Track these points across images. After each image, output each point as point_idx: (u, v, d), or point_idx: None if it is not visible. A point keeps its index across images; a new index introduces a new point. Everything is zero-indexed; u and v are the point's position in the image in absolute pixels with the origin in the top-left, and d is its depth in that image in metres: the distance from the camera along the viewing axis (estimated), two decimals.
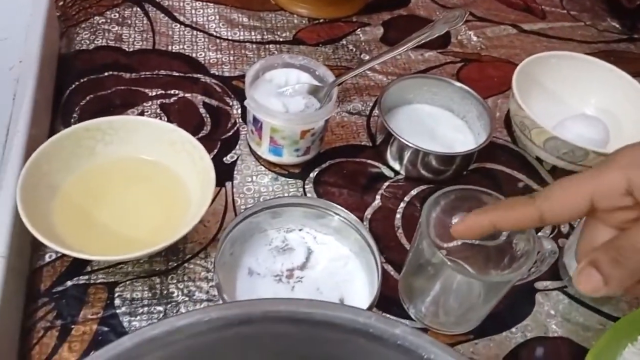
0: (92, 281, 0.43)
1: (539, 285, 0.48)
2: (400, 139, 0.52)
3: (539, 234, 0.49)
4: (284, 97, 0.52)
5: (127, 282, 0.44)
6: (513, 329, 0.45)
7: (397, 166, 0.55)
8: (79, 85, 0.56)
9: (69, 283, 0.43)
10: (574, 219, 0.38)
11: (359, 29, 0.68)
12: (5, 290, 0.39)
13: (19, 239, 0.42)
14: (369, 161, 0.55)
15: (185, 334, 0.31)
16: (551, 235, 0.51)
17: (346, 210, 0.45)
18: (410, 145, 0.52)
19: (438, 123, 0.58)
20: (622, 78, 0.57)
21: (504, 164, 0.57)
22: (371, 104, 0.60)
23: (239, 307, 0.33)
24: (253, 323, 0.32)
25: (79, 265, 0.44)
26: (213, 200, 0.49)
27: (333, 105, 0.50)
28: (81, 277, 0.43)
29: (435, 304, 0.44)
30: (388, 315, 0.45)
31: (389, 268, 0.48)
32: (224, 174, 0.52)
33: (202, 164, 0.46)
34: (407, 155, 0.53)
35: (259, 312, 0.32)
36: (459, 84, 0.57)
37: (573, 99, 0.60)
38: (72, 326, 0.41)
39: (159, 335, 0.30)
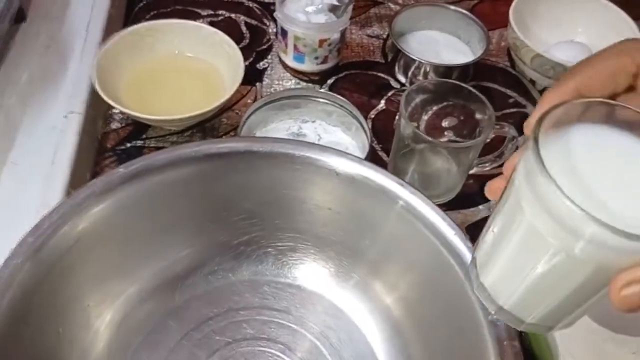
0: (146, 145, 0.56)
1: None
2: (406, 54, 0.61)
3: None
4: (309, 14, 0.62)
5: None
6: (480, 207, 0.54)
7: (403, 79, 0.64)
8: (145, 4, 0.69)
9: (128, 144, 0.56)
10: None
11: None
12: (80, 144, 0.52)
13: (93, 109, 0.55)
14: (380, 74, 0.65)
15: (205, 157, 0.42)
16: None
17: (348, 102, 0.55)
18: (414, 58, 0.61)
19: (445, 47, 0.66)
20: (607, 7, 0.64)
21: (499, 84, 0.65)
22: (389, 30, 0.69)
23: (243, 142, 0.44)
24: (253, 155, 0.43)
25: (136, 133, 0.57)
26: (244, 96, 0.61)
27: (346, 19, 0.60)
28: (138, 141, 0.56)
29: (414, 178, 0.54)
30: None
31: (383, 155, 0.58)
32: (256, 76, 0.63)
33: (236, 59, 0.57)
34: (411, 68, 0.62)
35: (259, 146, 0.43)
36: (462, 11, 0.65)
37: (566, 28, 0.67)
38: None
39: (189, 154, 0.42)
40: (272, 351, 0.43)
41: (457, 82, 0.51)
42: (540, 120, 0.26)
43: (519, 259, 0.28)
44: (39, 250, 0.36)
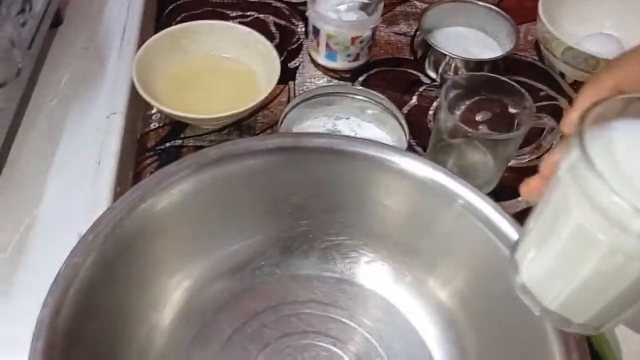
0: (184, 144, 0.57)
1: None
2: (437, 49, 0.62)
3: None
4: (340, 12, 0.62)
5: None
6: (520, 198, 0.54)
7: (433, 74, 0.64)
8: (175, 6, 0.70)
9: (167, 144, 0.56)
10: None
11: None
12: (122, 143, 0.52)
13: (132, 110, 0.56)
14: (410, 70, 0.65)
15: (254, 152, 0.43)
16: None
17: (384, 97, 0.56)
18: (445, 53, 0.61)
19: (473, 42, 0.67)
20: None
21: (529, 78, 0.65)
22: (415, 27, 0.70)
23: (290, 137, 0.45)
24: (301, 150, 0.44)
25: (174, 133, 0.57)
26: (278, 95, 0.62)
27: (378, 17, 0.60)
28: (177, 141, 0.57)
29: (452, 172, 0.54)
30: None
31: (420, 150, 0.58)
32: (288, 75, 0.63)
33: (271, 58, 0.57)
34: (442, 64, 0.63)
35: (306, 141, 0.44)
36: (489, 6, 0.65)
37: (594, 21, 0.67)
38: None
39: (238, 150, 0.42)
40: (324, 344, 0.43)
41: (496, 76, 0.51)
42: (583, 117, 0.26)
43: (567, 259, 0.28)
44: (98, 247, 0.37)
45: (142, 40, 0.59)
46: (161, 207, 0.40)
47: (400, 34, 0.69)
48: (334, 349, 0.43)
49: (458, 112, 0.58)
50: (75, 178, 0.48)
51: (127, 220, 0.38)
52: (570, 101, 0.63)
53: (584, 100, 0.29)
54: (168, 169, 0.40)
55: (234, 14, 0.69)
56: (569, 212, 0.26)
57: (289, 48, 0.66)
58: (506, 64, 0.64)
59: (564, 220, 0.27)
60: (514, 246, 0.32)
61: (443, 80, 0.64)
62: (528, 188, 0.32)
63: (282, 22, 0.69)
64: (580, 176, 0.25)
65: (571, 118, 0.29)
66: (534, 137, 0.56)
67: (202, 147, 0.56)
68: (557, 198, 0.27)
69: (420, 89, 0.63)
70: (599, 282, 0.27)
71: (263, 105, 0.60)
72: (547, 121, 0.51)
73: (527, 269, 0.30)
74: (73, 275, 0.35)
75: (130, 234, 0.38)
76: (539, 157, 0.57)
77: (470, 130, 0.48)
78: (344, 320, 0.45)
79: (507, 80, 0.51)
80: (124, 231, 0.38)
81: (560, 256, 0.28)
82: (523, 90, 0.50)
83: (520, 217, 0.53)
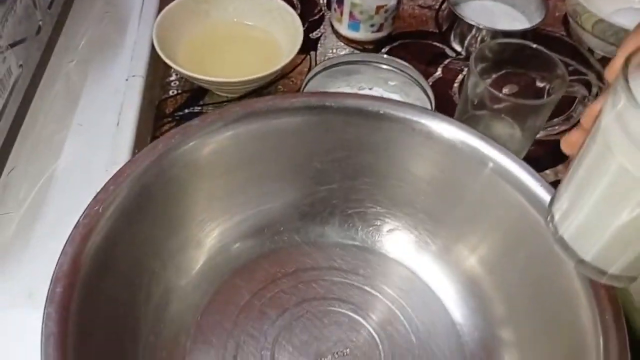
0: (204, 111, 0.56)
1: None
2: (465, 20, 0.60)
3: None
4: None
5: None
6: (547, 171, 0.53)
7: (458, 47, 0.63)
8: None
9: (186, 110, 0.55)
10: None
11: None
12: (141, 109, 0.51)
13: (152, 74, 0.55)
14: (434, 43, 0.64)
15: (278, 110, 0.42)
16: None
17: (410, 66, 0.54)
18: (473, 24, 0.60)
19: (500, 16, 0.65)
20: None
21: (558, 52, 0.63)
22: (440, 0, 0.68)
23: (316, 97, 0.44)
24: (326, 110, 0.42)
25: (194, 99, 0.56)
26: (299, 64, 0.60)
27: None
28: (196, 107, 0.56)
29: None
30: None
31: None
32: (310, 46, 0.62)
33: (293, 25, 0.56)
34: (468, 36, 0.61)
35: (332, 101, 0.42)
36: None
37: None
38: None
39: (262, 107, 0.41)
40: (343, 311, 0.42)
41: (528, 43, 0.50)
42: (627, 60, 0.26)
43: (605, 206, 0.28)
44: (119, 198, 0.35)
45: (162, 6, 0.58)
46: (183, 163, 0.39)
47: (424, 7, 0.68)
48: (355, 315, 0.42)
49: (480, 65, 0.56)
50: (93, 139, 0.47)
51: (148, 173, 0.37)
52: (599, 76, 0.61)
53: (628, 45, 0.28)
54: (192, 123, 0.39)
55: None
56: (612, 157, 0.26)
57: (310, 19, 0.65)
58: (534, 37, 0.62)
59: (606, 166, 0.27)
60: (551, 199, 0.32)
61: (469, 53, 0.62)
62: (569, 142, 0.31)
63: None
64: (625, 119, 0.25)
65: (615, 65, 0.28)
66: (562, 108, 0.55)
67: None
68: (598, 146, 0.27)
69: (445, 62, 0.62)
70: (636, 227, 0.27)
71: (284, 74, 0.59)
72: (579, 89, 0.49)
73: (564, 220, 0.30)
74: (93, 224, 0.34)
75: (151, 188, 0.37)
76: (569, 129, 0.55)
77: (501, 95, 0.47)
78: (364, 287, 0.44)
79: (539, 47, 0.49)
80: (145, 185, 0.37)
81: (599, 204, 0.28)
82: (555, 58, 0.48)
83: None
